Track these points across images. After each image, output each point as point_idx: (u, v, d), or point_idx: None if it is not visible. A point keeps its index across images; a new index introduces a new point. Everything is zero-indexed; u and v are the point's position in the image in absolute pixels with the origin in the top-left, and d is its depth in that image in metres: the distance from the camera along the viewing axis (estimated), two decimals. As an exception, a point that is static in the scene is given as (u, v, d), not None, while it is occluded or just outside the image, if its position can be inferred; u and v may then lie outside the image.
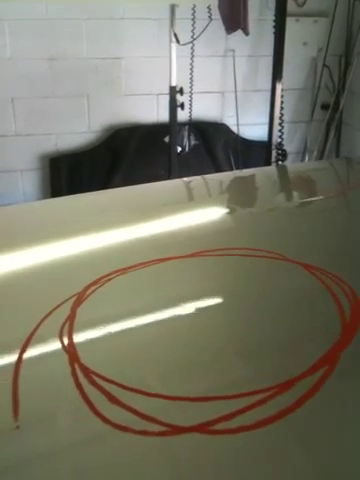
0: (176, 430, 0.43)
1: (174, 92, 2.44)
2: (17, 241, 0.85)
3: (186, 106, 2.56)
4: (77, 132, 2.79)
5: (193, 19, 2.51)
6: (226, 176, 1.50)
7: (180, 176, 2.43)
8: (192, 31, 2.48)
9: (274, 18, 2.18)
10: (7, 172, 2.75)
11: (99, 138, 2.83)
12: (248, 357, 0.54)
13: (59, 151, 2.79)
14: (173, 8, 2.34)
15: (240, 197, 1.15)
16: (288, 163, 2.62)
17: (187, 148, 2.89)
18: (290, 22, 2.42)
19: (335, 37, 2.89)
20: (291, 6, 2.29)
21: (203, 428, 0.43)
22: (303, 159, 3.15)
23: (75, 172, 2.83)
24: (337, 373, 0.49)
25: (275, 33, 2.19)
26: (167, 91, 2.45)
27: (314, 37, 2.91)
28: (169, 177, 2.56)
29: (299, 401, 0.45)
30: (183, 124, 2.79)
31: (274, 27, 2.19)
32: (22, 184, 2.82)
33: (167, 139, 2.69)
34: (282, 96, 2.25)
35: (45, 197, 2.86)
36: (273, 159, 2.31)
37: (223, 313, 0.63)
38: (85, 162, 2.83)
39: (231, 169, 2.97)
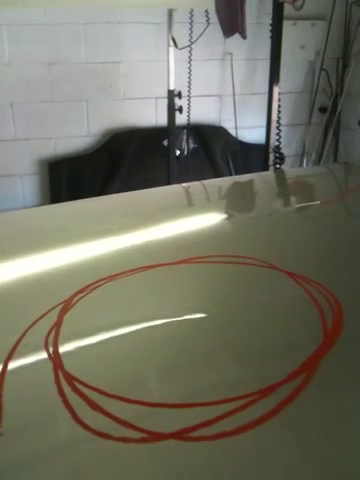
0: (155, 437, 0.43)
1: (172, 96, 2.44)
2: (7, 249, 0.85)
3: (184, 110, 2.56)
4: (76, 136, 2.80)
5: (191, 23, 2.52)
6: (224, 181, 1.50)
7: (179, 179, 2.44)
8: (190, 35, 2.49)
9: (271, 22, 2.19)
10: (6, 177, 2.76)
11: (98, 142, 2.84)
12: (229, 364, 0.55)
13: (58, 155, 2.80)
14: (171, 12, 2.34)
15: (237, 203, 1.15)
16: (286, 166, 2.63)
17: (186, 151, 2.90)
18: (287, 25, 2.42)
19: (332, 40, 2.90)
20: (288, 9, 2.29)
21: (182, 435, 0.43)
22: (301, 162, 3.15)
23: (74, 176, 2.84)
24: (315, 381, 0.49)
25: (272, 36, 2.20)
26: (165, 95, 2.46)
27: (311, 40, 2.92)
28: (168, 180, 2.56)
29: (276, 408, 0.45)
30: (181, 127, 2.80)
31: (271, 31, 2.20)
32: (22, 188, 2.82)
33: (166, 143, 2.70)
34: (279, 99, 2.26)
35: (45, 201, 2.87)
36: (271, 162, 2.31)
37: (206, 321, 0.63)
38: (84, 166, 2.84)
39: (230, 172, 2.98)
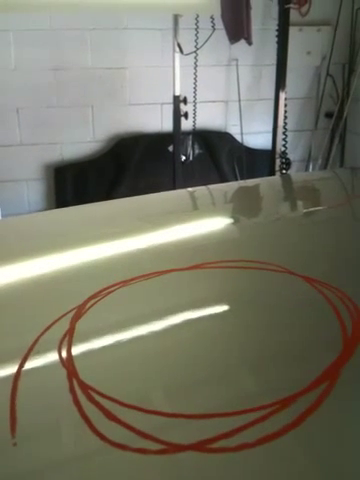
0: (174, 448, 0.42)
1: (178, 101, 2.44)
2: (19, 253, 0.84)
3: (190, 115, 2.56)
4: (82, 141, 2.80)
5: (196, 29, 2.52)
6: (230, 186, 1.49)
7: (184, 185, 2.44)
8: (195, 41, 2.49)
9: (277, 27, 2.19)
10: (12, 182, 2.77)
11: (104, 147, 2.84)
12: (248, 373, 0.54)
13: (64, 160, 2.80)
14: (176, 18, 2.35)
15: (244, 207, 1.15)
16: (293, 171, 2.62)
17: (191, 157, 2.90)
18: (293, 31, 2.43)
19: (338, 46, 2.89)
20: (294, 15, 2.30)
21: (202, 446, 0.42)
22: (307, 167, 3.14)
23: (80, 181, 2.84)
24: (337, 389, 0.48)
25: (278, 42, 2.20)
26: (171, 100, 2.46)
27: (317, 46, 2.91)
28: (173, 186, 2.56)
29: (300, 418, 0.44)
30: (187, 133, 2.80)
31: (277, 36, 2.20)
32: (27, 193, 2.83)
33: (171, 148, 2.69)
34: (286, 105, 2.26)
35: (50, 206, 2.87)
36: (277, 168, 2.31)
37: (223, 327, 0.63)
38: (90, 171, 2.84)
39: (235, 178, 2.97)
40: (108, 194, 2.80)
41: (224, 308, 0.68)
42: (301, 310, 0.65)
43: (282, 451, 0.42)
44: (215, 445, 0.42)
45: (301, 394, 0.47)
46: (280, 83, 2.22)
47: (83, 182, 2.85)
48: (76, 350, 0.55)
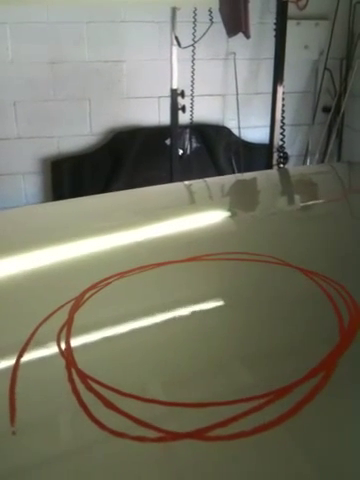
0: (172, 436, 0.42)
1: (175, 95, 2.44)
2: (17, 245, 0.85)
3: (187, 109, 2.56)
4: (79, 135, 2.80)
5: (194, 22, 2.51)
6: (227, 179, 1.50)
7: (182, 178, 2.43)
8: (193, 34, 2.49)
9: (275, 21, 2.19)
10: (9, 175, 2.76)
11: (101, 141, 2.84)
12: (246, 363, 0.54)
13: (61, 154, 2.80)
14: (174, 11, 2.34)
15: (241, 200, 1.15)
16: (290, 166, 2.63)
17: (188, 151, 2.89)
18: (291, 25, 2.43)
19: (336, 40, 2.89)
20: (292, 9, 2.30)
21: (199, 434, 0.42)
22: (305, 162, 3.15)
23: (77, 175, 2.84)
24: (334, 379, 0.49)
25: (276, 36, 2.20)
26: (168, 94, 2.45)
27: (315, 40, 2.91)
28: (171, 180, 2.56)
29: (296, 407, 0.45)
30: (184, 127, 2.79)
31: (275, 30, 2.20)
32: (24, 187, 2.82)
33: (168, 142, 2.69)
34: (283, 99, 2.26)
35: (47, 200, 2.86)
36: (274, 162, 2.31)
37: (220, 318, 0.63)
38: (87, 165, 2.83)
39: (233, 172, 2.97)
40: (105, 187, 2.80)
41: (221, 300, 0.68)
42: (298, 302, 0.66)
43: (277, 440, 0.43)
44: (212, 433, 0.43)
45: (297, 384, 0.48)
46: (278, 77, 2.22)
47: (80, 176, 2.84)
48: (74, 340, 0.56)
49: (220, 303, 0.68)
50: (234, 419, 0.44)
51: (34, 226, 0.95)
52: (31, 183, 2.82)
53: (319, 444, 0.43)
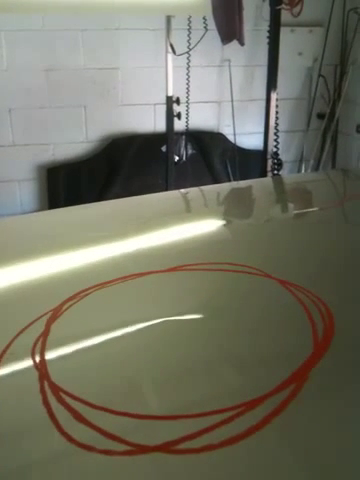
0: (140, 449, 0.42)
1: (171, 102, 2.45)
2: (1, 256, 0.84)
3: (183, 116, 2.57)
4: (74, 142, 2.80)
5: (189, 29, 2.52)
6: (222, 188, 1.50)
7: (177, 185, 2.44)
8: (188, 41, 2.50)
9: (269, 28, 2.20)
10: (4, 182, 2.76)
11: (96, 148, 2.84)
12: (217, 374, 0.53)
13: (56, 161, 2.80)
14: (169, 19, 2.35)
15: (235, 209, 1.14)
16: (284, 172, 2.63)
17: (184, 157, 2.90)
18: (285, 32, 2.44)
19: (330, 47, 2.91)
20: (286, 16, 2.30)
21: (167, 447, 0.42)
22: (300, 168, 3.16)
23: (72, 182, 2.84)
24: (304, 392, 0.48)
25: (270, 43, 2.21)
26: (164, 101, 2.46)
27: (309, 47, 2.93)
28: (166, 186, 2.56)
29: (265, 420, 0.44)
30: (180, 133, 2.80)
31: (269, 37, 2.21)
32: (19, 194, 2.82)
33: (164, 148, 2.70)
34: (277, 105, 2.27)
35: (43, 207, 2.86)
36: (269, 168, 2.32)
37: (196, 329, 0.62)
38: (82, 172, 2.84)
39: (228, 178, 2.98)
40: (101, 194, 2.80)
41: (196, 310, 0.68)
42: (274, 314, 0.65)
43: (246, 452, 0.43)
44: (180, 446, 0.42)
45: (267, 396, 0.47)
46: (271, 84, 2.23)
47: (76, 183, 2.84)
48: (49, 352, 0.55)
49: (195, 314, 0.67)
50: (204, 431, 0.43)
51: (20, 236, 0.94)
52: (27, 190, 2.82)
53: (286, 458, 0.42)
